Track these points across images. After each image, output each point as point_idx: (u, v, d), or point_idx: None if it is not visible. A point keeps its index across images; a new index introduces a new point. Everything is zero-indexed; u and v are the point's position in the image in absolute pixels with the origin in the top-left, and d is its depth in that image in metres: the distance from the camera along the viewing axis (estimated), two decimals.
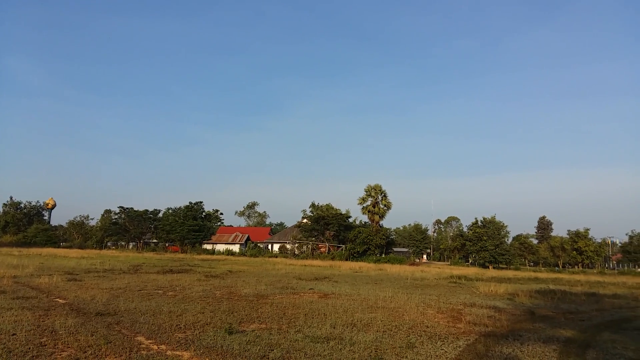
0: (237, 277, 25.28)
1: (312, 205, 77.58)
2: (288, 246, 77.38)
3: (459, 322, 12.63)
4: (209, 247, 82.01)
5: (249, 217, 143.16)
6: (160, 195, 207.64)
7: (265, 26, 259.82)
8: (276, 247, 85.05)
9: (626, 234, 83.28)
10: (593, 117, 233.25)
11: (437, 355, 8.74)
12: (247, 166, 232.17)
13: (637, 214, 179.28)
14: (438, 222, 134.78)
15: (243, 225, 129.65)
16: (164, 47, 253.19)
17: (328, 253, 70.64)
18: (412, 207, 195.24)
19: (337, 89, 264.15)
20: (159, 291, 17.05)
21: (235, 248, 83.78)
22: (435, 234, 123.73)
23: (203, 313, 12.24)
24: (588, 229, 78.53)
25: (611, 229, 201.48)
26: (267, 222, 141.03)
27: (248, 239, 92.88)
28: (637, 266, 79.19)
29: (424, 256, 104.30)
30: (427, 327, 11.65)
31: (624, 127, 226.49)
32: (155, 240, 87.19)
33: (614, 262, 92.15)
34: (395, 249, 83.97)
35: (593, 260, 79.14)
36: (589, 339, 11.17)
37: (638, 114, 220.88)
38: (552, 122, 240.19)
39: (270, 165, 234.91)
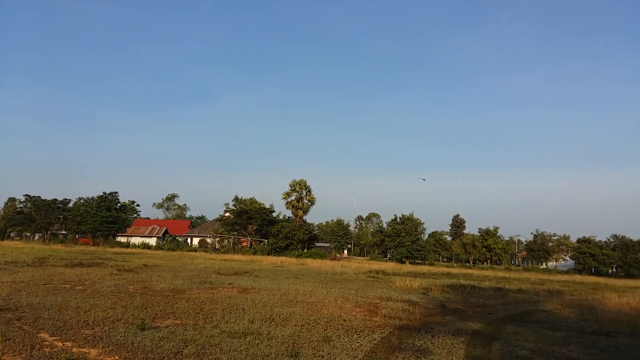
0: (152, 272, 24.39)
1: (236, 198, 76.41)
2: (208, 240, 75.82)
3: (375, 316, 12.96)
4: (123, 240, 78.40)
5: (167, 209, 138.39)
6: (71, 185, 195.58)
7: (195, 15, 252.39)
8: (196, 241, 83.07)
9: (531, 233, 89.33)
10: (507, 123, 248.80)
11: (352, 348, 8.90)
12: (168, 157, 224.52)
13: (541, 214, 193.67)
14: (359, 218, 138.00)
15: (161, 218, 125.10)
16: (82, 29, 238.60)
17: (250, 247, 70.05)
18: (335, 203, 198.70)
19: (265, 83, 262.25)
20: (66, 285, 16.06)
21: (152, 241, 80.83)
22: (356, 230, 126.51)
23: (114, 309, 11.69)
24: (497, 228, 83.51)
25: (518, 228, 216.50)
26: (187, 215, 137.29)
27: (166, 232, 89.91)
28: (539, 263, 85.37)
29: (345, 251, 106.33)
30: (345, 320, 11.84)
31: (535, 133, 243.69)
32: (64, 232, 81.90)
33: (520, 259, 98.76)
34: (317, 244, 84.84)
35: (501, 257, 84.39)
36: (495, 331, 11.86)
37: (547, 121, 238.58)
38: (469, 126, 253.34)
39: (192, 157, 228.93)
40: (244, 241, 73.58)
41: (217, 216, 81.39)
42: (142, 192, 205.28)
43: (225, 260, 42.62)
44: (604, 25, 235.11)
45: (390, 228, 77.43)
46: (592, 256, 71.10)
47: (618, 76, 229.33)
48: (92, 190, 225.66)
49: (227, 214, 76.01)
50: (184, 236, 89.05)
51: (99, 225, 74.00)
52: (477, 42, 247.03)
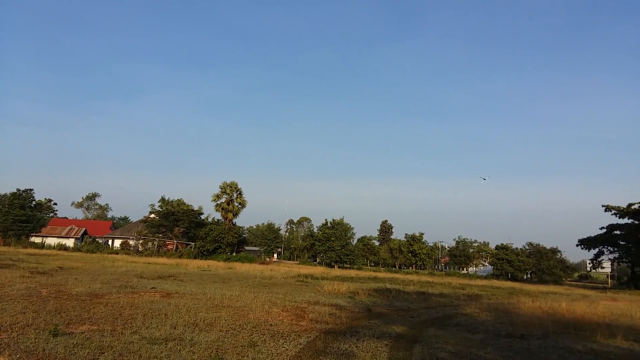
0: (68, 274, 23.00)
1: (162, 199, 73.84)
2: (131, 242, 72.65)
3: (302, 320, 12.90)
4: (38, 240, 73.56)
5: (88, 209, 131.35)
6: None
7: (127, 8, 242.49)
8: (118, 243, 79.38)
9: (454, 240, 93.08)
10: (433, 133, 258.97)
11: (278, 353, 8.79)
12: (90, 153, 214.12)
13: (463, 222, 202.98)
14: (291, 222, 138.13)
15: (80, 218, 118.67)
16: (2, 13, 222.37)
17: (176, 251, 67.92)
18: (267, 206, 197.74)
19: (198, 81, 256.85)
20: None
21: (70, 242, 76.49)
22: (287, 234, 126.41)
23: (24, 313, 10.88)
24: (423, 234, 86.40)
25: (442, 234, 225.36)
26: (109, 216, 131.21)
27: (85, 233, 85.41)
28: (461, 268, 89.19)
29: (275, 255, 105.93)
30: (271, 325, 11.69)
31: (458, 145, 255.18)
32: None
33: (443, 264, 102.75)
34: (247, 248, 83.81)
35: (425, 262, 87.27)
36: (417, 334, 12.16)
37: (470, 134, 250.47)
38: (397, 135, 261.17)
39: (116, 155, 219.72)
40: (169, 244, 71.28)
41: (141, 217, 78.16)
42: (60, 190, 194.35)
43: (149, 263, 41.05)
44: (525, 44, 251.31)
45: (320, 232, 77.97)
46: (509, 262, 75.13)
47: (535, 94, 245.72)
48: (5, 186, 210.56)
49: (153, 216, 73.24)
50: (105, 238, 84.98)
51: (11, 224, 69.08)
52: (408, 54, 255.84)
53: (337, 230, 75.06)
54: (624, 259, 71.71)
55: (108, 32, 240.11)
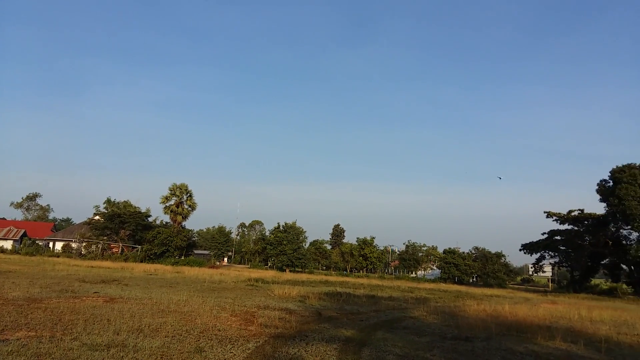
0: (5, 278, 21.88)
1: (108, 201, 71.33)
2: (74, 245, 69.81)
3: (251, 325, 12.75)
4: None
5: (28, 210, 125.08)
6: None
7: (82, 4, 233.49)
8: (59, 245, 76.15)
9: (403, 243, 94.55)
10: (384, 139, 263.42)
11: (225, 359, 8.64)
12: (30, 152, 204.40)
13: (412, 226, 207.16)
14: (242, 225, 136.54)
15: (19, 219, 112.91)
16: None
17: (121, 254, 65.74)
18: (218, 209, 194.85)
19: (148, 78, 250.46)
20: None
21: (8, 244, 72.81)
22: (238, 237, 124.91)
23: None
24: (374, 238, 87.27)
25: (392, 239, 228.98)
26: (51, 217, 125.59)
27: (24, 234, 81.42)
28: (410, 272, 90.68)
29: (225, 259, 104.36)
30: (219, 330, 11.48)
31: (408, 151, 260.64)
32: None
33: (393, 267, 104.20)
34: (196, 252, 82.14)
35: (376, 266, 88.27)
36: (366, 337, 12.26)
37: (419, 140, 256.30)
38: (349, 140, 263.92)
39: (59, 154, 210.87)
40: (114, 247, 68.94)
41: (85, 219, 75.22)
42: None
43: (92, 267, 39.55)
44: (473, 55, 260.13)
45: (272, 236, 77.42)
46: (455, 266, 77.07)
47: (481, 103, 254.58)
48: None
49: (97, 218, 70.67)
50: (46, 240, 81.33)
51: None
52: (362, 61, 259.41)
53: (289, 234, 74.77)
54: (563, 264, 75.28)
55: (52, 25, 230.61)
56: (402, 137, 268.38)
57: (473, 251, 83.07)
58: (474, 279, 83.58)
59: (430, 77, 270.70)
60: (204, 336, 10.55)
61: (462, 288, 54.45)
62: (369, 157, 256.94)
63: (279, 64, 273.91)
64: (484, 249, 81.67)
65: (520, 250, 75.23)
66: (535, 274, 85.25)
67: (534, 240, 73.02)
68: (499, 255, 78.59)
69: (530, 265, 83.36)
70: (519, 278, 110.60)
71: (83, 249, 67.41)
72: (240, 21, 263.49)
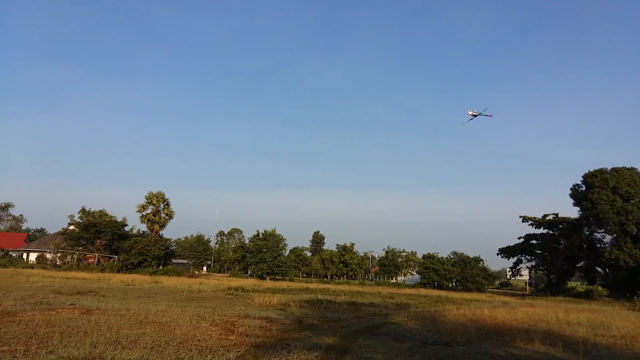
0: None
1: (82, 210, 69.96)
2: (48, 256, 68.27)
3: (232, 334, 12.62)
4: None
5: (0, 220, 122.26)
6: None
7: (38, 5, 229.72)
8: (33, 256, 74.43)
9: (383, 249, 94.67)
10: (361, 146, 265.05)
11: None
12: (1, 160, 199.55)
13: (391, 232, 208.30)
14: (221, 233, 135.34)
15: None
16: None
17: (97, 264, 64.53)
18: (196, 217, 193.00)
19: (116, 85, 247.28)
20: None
21: None
22: (217, 246, 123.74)
23: None
24: (354, 244, 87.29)
25: (372, 245, 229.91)
26: (24, 228, 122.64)
27: None
28: (390, 278, 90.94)
29: (204, 268, 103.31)
30: (199, 340, 11.33)
31: (385, 157, 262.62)
32: None
33: (373, 273, 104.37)
34: (174, 261, 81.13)
35: (356, 272, 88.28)
36: (347, 344, 12.24)
37: (395, 147, 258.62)
38: (326, 147, 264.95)
39: (31, 162, 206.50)
40: (90, 257, 67.62)
41: (59, 229, 73.66)
42: None
43: (68, 278, 38.71)
44: (444, 62, 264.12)
45: (252, 244, 76.90)
46: (435, 271, 77.60)
47: (454, 109, 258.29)
48: None
49: (72, 227, 69.24)
50: (19, 251, 79.44)
51: None
52: (336, 68, 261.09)
53: (269, 242, 74.38)
54: (540, 267, 76.35)
55: (21, 31, 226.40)
56: (378, 143, 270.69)
57: (452, 256, 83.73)
58: (453, 284, 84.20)
59: (403, 84, 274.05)
60: (183, 347, 10.40)
61: (442, 293, 54.82)
62: (346, 164, 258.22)
63: (252, 70, 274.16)
64: (463, 253, 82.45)
65: (497, 254, 76.07)
66: (513, 278, 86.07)
67: (511, 245, 73.96)
68: (477, 260, 79.38)
69: (507, 269, 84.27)
70: (497, 282, 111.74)
71: (58, 260, 65.97)
72: (212, 27, 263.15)
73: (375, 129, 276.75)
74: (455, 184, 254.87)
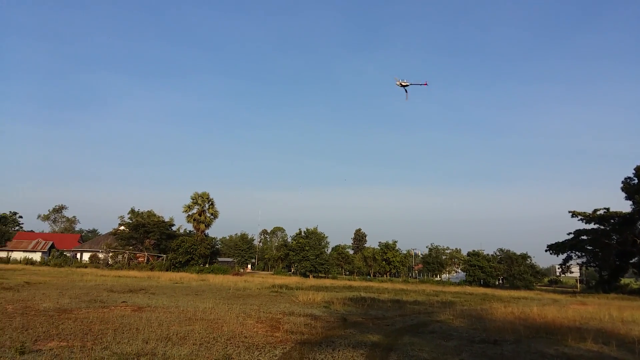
0: (35, 290, 22.34)
1: (132, 211, 72.43)
2: (101, 255, 71.00)
3: (277, 331, 12.78)
4: (3, 255, 71.33)
5: (55, 222, 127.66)
6: None
7: (91, 15, 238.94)
8: (86, 256, 77.50)
9: (426, 247, 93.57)
10: (402, 142, 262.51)
11: None
12: (56, 166, 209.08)
13: (435, 229, 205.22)
14: (264, 232, 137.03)
15: (47, 231, 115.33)
16: None
17: (147, 263, 66.63)
18: (239, 216, 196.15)
19: (164, 91, 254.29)
20: None
21: (37, 256, 74.32)
22: (260, 244, 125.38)
23: None
24: (396, 242, 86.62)
25: (415, 242, 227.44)
26: (77, 229, 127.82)
27: (52, 246, 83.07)
28: (434, 275, 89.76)
29: (249, 266, 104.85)
30: (246, 337, 11.54)
31: (427, 153, 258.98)
32: None
33: (416, 271, 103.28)
34: (220, 259, 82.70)
35: (399, 270, 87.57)
36: (392, 342, 12.18)
37: (438, 142, 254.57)
38: (368, 144, 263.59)
39: (83, 167, 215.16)
40: (140, 256, 69.88)
41: (110, 230, 76.46)
42: (25, 203, 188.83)
43: (119, 276, 40.16)
44: (485, 56, 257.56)
45: (294, 242, 77.56)
46: (480, 268, 76.09)
47: (499, 103, 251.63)
48: None
49: (122, 228, 71.77)
50: (73, 251, 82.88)
51: None
52: (373, 65, 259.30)
53: (311, 240, 74.83)
54: (591, 264, 73.61)
55: (70, 41, 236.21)
56: (418, 139, 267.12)
57: (498, 253, 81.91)
58: (500, 281, 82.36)
59: (443, 79, 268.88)
60: (231, 343, 10.62)
61: (488, 291, 53.74)
62: (385, 161, 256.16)
63: (291, 71, 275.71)
64: (509, 250, 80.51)
65: (546, 251, 73.87)
66: (563, 275, 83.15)
67: (560, 241, 71.62)
68: (525, 257, 77.36)
69: (557, 266, 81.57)
70: (546, 279, 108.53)
71: (110, 259, 68.48)
72: (250, 30, 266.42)
73: (416, 124, 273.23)
74: (500, 179, 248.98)
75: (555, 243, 72.30)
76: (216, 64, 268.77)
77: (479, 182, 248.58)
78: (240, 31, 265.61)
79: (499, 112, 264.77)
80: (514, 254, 78.61)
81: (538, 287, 79.95)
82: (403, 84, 59.98)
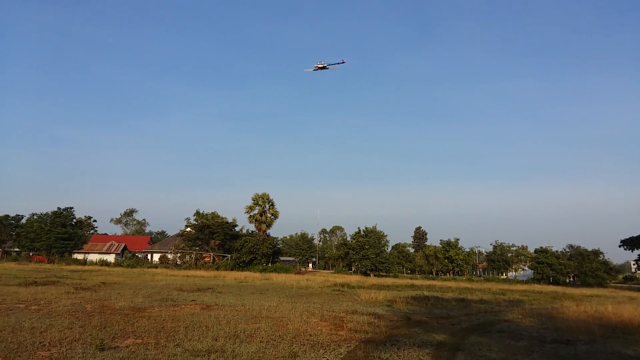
0: (111, 289, 23.58)
1: (197, 213, 75.08)
2: (169, 256, 74.03)
3: (341, 330, 12.87)
4: (80, 257, 75.68)
5: (126, 225, 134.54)
6: (24, 200, 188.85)
7: (151, 29, 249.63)
8: (156, 257, 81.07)
9: (490, 244, 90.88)
10: (461, 136, 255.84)
11: None
12: (125, 171, 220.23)
13: (499, 226, 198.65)
14: (324, 231, 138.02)
15: (119, 234, 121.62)
16: (24, 35, 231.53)
17: (213, 263, 68.82)
18: (299, 216, 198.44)
19: (223, 97, 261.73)
20: (20, 305, 15.32)
21: (111, 258, 78.41)
22: (320, 243, 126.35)
23: (71, 329, 11.21)
24: (458, 239, 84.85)
25: (478, 239, 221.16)
26: (147, 231, 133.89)
27: (125, 248, 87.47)
28: (500, 273, 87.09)
29: (310, 265, 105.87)
30: (310, 335, 11.70)
31: (488, 147, 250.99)
32: (17, 249, 78.40)
33: (481, 269, 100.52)
34: (281, 258, 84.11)
35: (462, 268, 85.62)
36: (459, 342, 11.95)
37: (499, 136, 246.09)
38: (425, 140, 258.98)
39: (150, 171, 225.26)
40: (206, 256, 72.26)
41: (177, 231, 79.59)
42: (99, 208, 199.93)
43: (187, 276, 41.70)
44: (540, 49, 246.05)
45: (354, 241, 77.57)
46: (549, 266, 73.09)
47: (564, 96, 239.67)
48: (47, 205, 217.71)
49: (189, 229, 74.55)
50: (144, 252, 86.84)
51: (54, 242, 71.22)
52: (429, 62, 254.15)
53: (370, 238, 74.56)
54: None
55: (134, 52, 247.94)
56: (477, 132, 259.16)
57: (567, 249, 78.35)
58: (571, 279, 78.72)
59: (501, 73, 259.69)
60: (296, 341, 10.80)
61: (558, 289, 51.51)
62: (445, 157, 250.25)
63: (346, 72, 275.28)
64: (579, 246, 76.83)
65: (619, 246, 69.73)
66: (639, 271, 78.35)
67: (635, 235, 67.42)
68: (597, 253, 73.59)
69: (632, 262, 77.13)
70: (620, 276, 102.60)
71: (178, 260, 71.24)
72: (303, 33, 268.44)
73: (476, 119, 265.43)
74: (567, 173, 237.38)
75: (630, 238, 68.15)
76: (270, 67, 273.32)
77: (544, 177, 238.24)
78: (293, 35, 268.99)
79: (569, 106, 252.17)
80: (585, 250, 74.96)
81: (612, 284, 75.74)
82: (319, 66, 64.38)
